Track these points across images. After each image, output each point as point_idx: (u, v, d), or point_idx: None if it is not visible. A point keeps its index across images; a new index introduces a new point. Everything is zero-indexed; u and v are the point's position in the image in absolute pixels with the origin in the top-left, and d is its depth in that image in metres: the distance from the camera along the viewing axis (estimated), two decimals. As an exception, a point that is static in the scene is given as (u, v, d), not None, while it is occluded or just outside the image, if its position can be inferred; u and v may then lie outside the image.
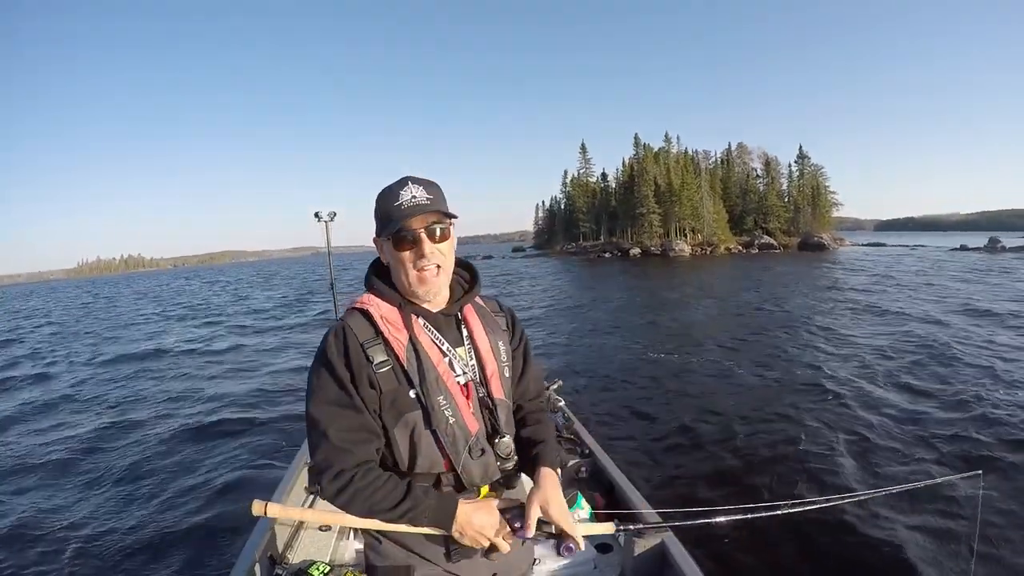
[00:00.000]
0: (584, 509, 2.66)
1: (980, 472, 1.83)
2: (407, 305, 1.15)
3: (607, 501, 2.77)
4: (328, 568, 2.27)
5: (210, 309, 22.97)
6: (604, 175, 66.09)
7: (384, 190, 1.14)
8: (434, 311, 1.18)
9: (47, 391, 8.82)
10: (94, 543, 3.81)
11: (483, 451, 1.15)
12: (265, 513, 1.09)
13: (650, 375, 7.77)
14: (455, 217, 1.16)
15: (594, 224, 63.80)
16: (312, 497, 2.79)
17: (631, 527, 1.26)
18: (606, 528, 1.29)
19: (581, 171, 67.43)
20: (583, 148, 67.70)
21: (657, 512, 2.42)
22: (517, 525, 1.09)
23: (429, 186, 1.14)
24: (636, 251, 53.45)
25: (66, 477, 5.02)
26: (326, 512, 1.11)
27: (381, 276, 1.21)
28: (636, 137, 58.31)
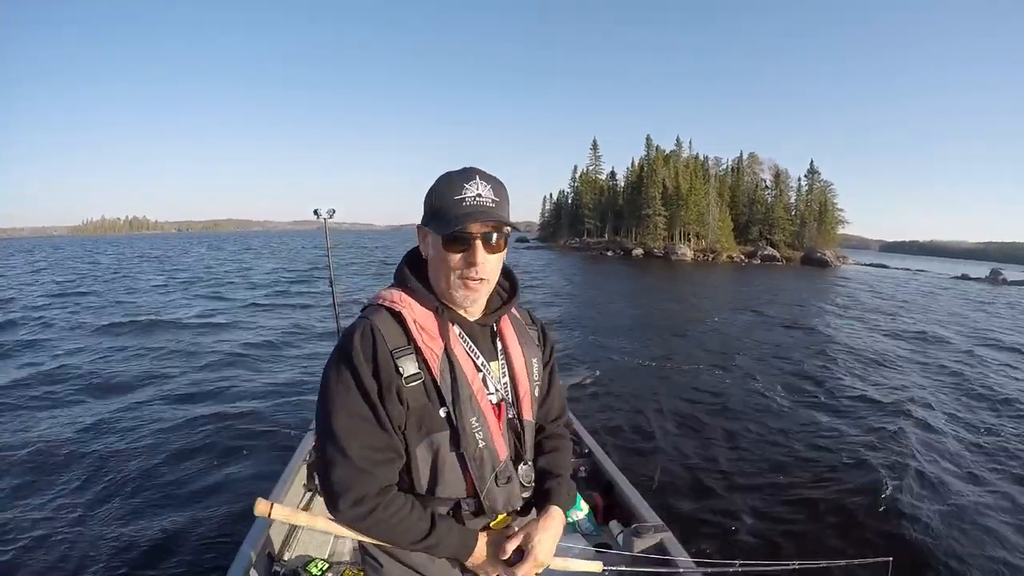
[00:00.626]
0: (582, 509, 2.67)
1: (891, 559, 1.74)
2: (444, 311, 1.04)
3: (606, 501, 2.77)
4: (326, 565, 2.28)
5: (216, 279, 22.68)
6: (613, 174, 65.96)
7: (446, 178, 1.01)
8: (471, 320, 1.08)
9: (34, 363, 8.36)
10: (83, 539, 3.68)
11: (509, 478, 1.07)
12: (269, 514, 1.02)
13: (654, 381, 7.71)
14: (515, 228, 1.04)
15: (599, 221, 63.72)
16: (311, 495, 2.84)
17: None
18: (594, 566, 1.25)
19: (591, 167, 67.16)
20: (594, 145, 67.31)
21: (657, 513, 2.41)
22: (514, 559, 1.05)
23: (496, 186, 1.01)
24: (639, 251, 53.33)
25: (50, 465, 4.80)
26: (332, 522, 1.04)
27: (413, 270, 1.09)
28: (648, 139, 57.96)
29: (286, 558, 2.34)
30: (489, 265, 1.01)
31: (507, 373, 1.10)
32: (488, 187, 0.99)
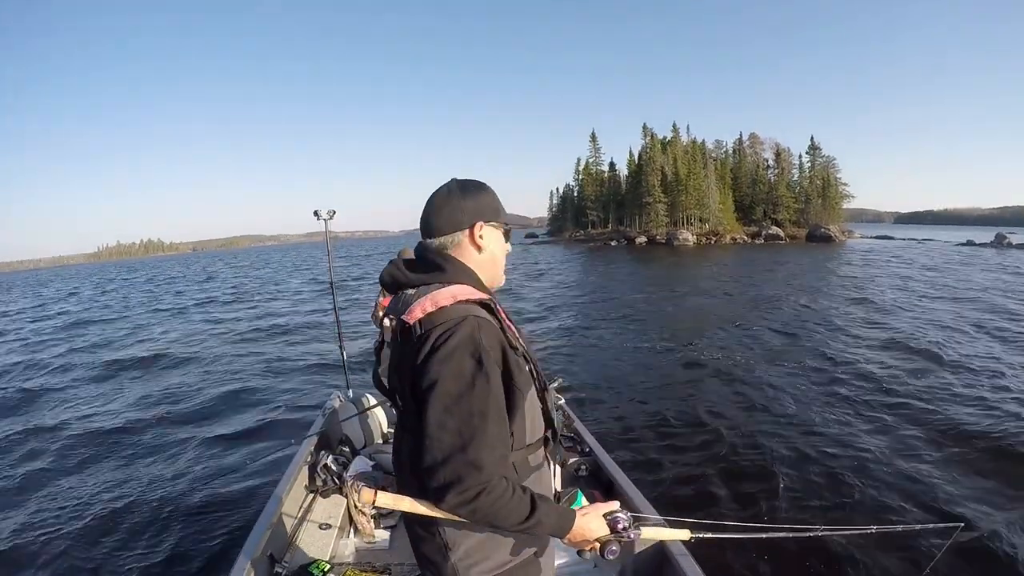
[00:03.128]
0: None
1: (960, 524, 1.86)
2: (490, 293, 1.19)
3: (607, 500, 2.79)
4: (328, 566, 2.27)
5: (234, 293, 23.02)
6: (612, 164, 66.32)
7: (484, 184, 1.20)
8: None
9: (58, 377, 8.98)
10: (83, 540, 3.76)
11: (558, 407, 1.31)
12: (374, 502, 1.11)
13: (659, 372, 7.52)
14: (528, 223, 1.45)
15: (602, 212, 64.32)
16: (312, 496, 2.79)
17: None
18: (682, 534, 1.31)
19: (591, 160, 67.52)
20: (593, 137, 67.57)
21: (657, 511, 2.41)
22: (621, 527, 1.16)
23: None
24: (642, 239, 53.67)
25: (60, 467, 5.06)
26: (434, 508, 1.05)
27: None
28: (644, 127, 58.23)
29: (287, 559, 2.32)
30: None
31: None
32: None
